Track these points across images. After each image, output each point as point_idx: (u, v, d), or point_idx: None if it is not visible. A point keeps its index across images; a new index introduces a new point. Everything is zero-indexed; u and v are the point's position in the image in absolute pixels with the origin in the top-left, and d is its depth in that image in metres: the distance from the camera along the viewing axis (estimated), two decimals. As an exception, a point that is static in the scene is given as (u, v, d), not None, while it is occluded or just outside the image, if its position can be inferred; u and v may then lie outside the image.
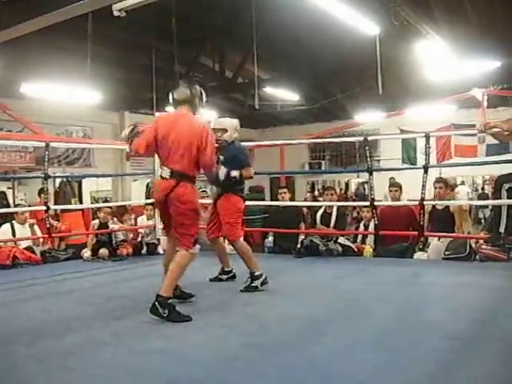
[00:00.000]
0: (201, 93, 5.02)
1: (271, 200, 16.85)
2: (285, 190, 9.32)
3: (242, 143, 6.44)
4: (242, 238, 6.18)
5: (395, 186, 8.70)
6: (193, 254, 4.69)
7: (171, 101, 4.98)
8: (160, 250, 8.85)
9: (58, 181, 13.27)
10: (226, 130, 6.03)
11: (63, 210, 10.52)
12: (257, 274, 5.70)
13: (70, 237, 9.59)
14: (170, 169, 4.68)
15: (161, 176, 4.78)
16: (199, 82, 15.88)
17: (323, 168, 21.09)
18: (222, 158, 5.85)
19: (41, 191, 9.94)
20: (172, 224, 4.82)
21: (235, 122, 6.24)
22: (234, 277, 6.31)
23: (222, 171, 5.80)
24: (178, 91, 4.95)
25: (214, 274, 6.28)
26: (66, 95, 11.41)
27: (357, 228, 9.19)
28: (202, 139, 4.71)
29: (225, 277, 6.28)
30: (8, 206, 13.05)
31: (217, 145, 5.77)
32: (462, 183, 18.92)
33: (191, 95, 4.91)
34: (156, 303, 4.38)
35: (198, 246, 4.75)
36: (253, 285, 5.66)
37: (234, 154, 5.94)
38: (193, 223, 4.74)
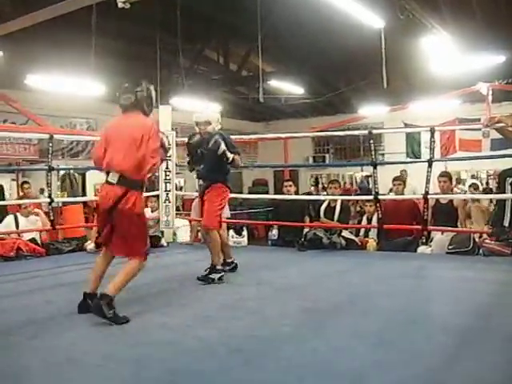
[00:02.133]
0: (149, 93, 4.62)
1: (275, 193, 16.86)
2: (290, 183, 9.33)
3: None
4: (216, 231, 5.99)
5: (399, 180, 8.69)
6: (144, 265, 4.51)
7: (120, 105, 4.62)
8: (164, 242, 8.87)
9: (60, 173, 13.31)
10: (209, 123, 6.03)
11: (64, 203, 10.55)
12: (218, 268, 5.85)
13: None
14: (118, 173, 4.38)
15: (107, 180, 4.45)
16: (204, 74, 15.91)
17: (327, 161, 21.05)
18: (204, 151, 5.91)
19: (23, 184, 9.96)
20: (117, 234, 4.50)
21: (217, 113, 6.29)
22: (235, 267, 6.35)
23: (222, 146, 5.78)
24: (125, 97, 4.55)
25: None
26: (71, 87, 11.40)
27: (360, 221, 9.19)
28: (146, 135, 4.40)
29: (227, 268, 6.27)
30: (3, 199, 13.13)
31: (200, 137, 5.97)
32: (473, 177, 18.76)
33: (136, 100, 4.53)
34: (101, 303, 4.16)
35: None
36: (210, 276, 5.77)
37: (220, 142, 5.86)
38: (145, 233, 4.64)
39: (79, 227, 9.69)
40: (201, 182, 6.38)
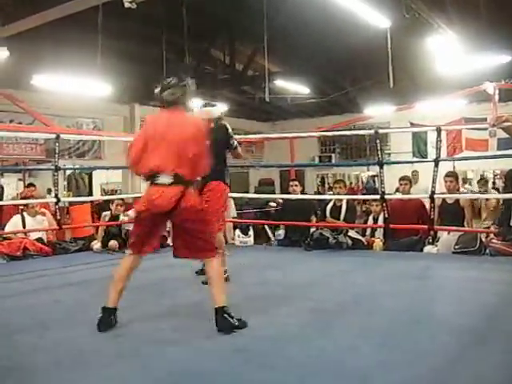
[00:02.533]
0: (191, 89, 4.48)
1: (281, 193, 16.85)
2: (296, 183, 9.33)
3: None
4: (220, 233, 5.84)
5: (405, 180, 8.68)
6: (219, 257, 4.38)
7: (159, 99, 4.40)
8: (169, 241, 8.86)
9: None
10: (221, 119, 6.02)
11: (71, 203, 10.57)
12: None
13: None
14: (172, 173, 4.15)
15: (157, 183, 4.18)
16: (210, 74, 15.91)
17: (333, 161, 21.02)
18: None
19: (30, 185, 9.96)
20: (180, 236, 4.33)
21: (221, 109, 6.19)
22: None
23: (230, 130, 5.83)
24: (169, 92, 4.31)
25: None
26: (77, 87, 11.42)
27: (366, 221, 9.18)
28: (197, 134, 4.30)
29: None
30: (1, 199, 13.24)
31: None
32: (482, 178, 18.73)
33: (183, 96, 4.37)
34: (225, 316, 4.00)
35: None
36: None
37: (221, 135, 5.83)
38: (210, 228, 4.46)
39: (85, 226, 9.69)
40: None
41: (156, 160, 4.17)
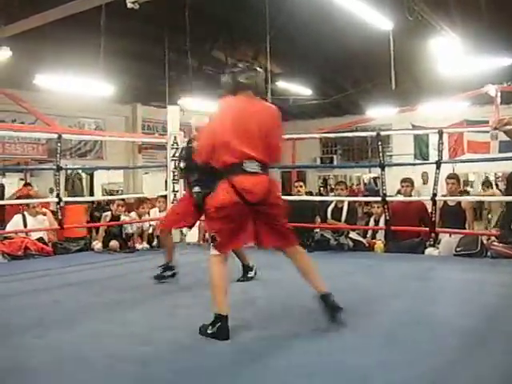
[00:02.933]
0: (261, 74, 4.29)
1: (283, 194, 16.85)
2: (301, 184, 9.32)
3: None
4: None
5: (407, 182, 8.66)
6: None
7: (232, 85, 4.16)
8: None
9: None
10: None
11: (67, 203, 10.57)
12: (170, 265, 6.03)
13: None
14: (259, 161, 3.97)
15: (246, 170, 3.93)
16: (212, 75, 15.92)
17: (335, 163, 21.03)
18: None
19: (26, 184, 9.94)
20: (266, 226, 4.09)
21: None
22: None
23: None
24: (247, 75, 4.13)
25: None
26: (79, 87, 11.44)
27: (367, 223, 9.17)
28: (276, 122, 4.18)
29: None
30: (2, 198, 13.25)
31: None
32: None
33: (259, 80, 4.22)
34: (334, 302, 4.02)
35: None
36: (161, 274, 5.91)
37: None
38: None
39: (85, 227, 9.68)
40: (196, 189, 5.72)
41: (243, 147, 3.94)
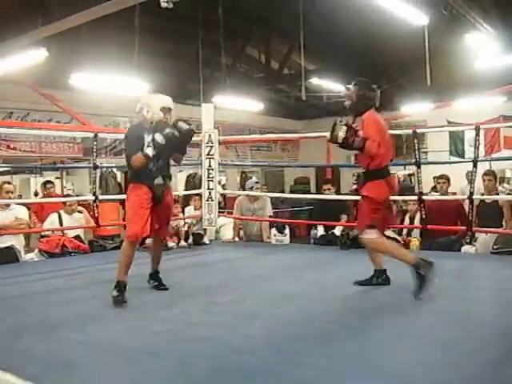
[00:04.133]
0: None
1: (317, 192, 16.83)
2: (329, 186, 9.21)
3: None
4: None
5: (443, 178, 8.57)
6: None
7: (373, 101, 5.26)
8: (206, 240, 8.90)
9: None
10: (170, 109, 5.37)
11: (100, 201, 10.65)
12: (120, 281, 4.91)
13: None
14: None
15: (389, 172, 5.18)
16: (245, 73, 15.95)
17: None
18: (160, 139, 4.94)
19: (46, 183, 9.99)
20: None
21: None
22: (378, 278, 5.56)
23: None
24: (378, 97, 5.34)
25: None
26: (114, 86, 11.53)
27: (402, 220, 9.10)
28: None
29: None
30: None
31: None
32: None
33: None
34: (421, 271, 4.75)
35: None
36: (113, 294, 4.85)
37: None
38: None
39: (121, 225, 9.74)
40: (158, 180, 5.21)
41: (390, 155, 5.26)
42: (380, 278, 5.37)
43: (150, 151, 4.94)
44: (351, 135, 4.94)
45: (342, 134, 4.99)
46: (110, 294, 4.82)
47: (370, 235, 4.97)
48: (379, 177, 5.05)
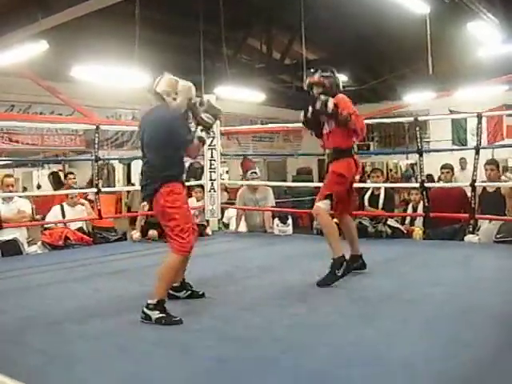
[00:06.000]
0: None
1: (319, 182, 16.79)
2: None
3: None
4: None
5: (446, 168, 8.55)
6: None
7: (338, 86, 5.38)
8: (209, 231, 8.90)
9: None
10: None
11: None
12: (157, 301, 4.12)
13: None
14: None
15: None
16: (247, 63, 15.91)
17: (371, 149, 20.85)
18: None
19: (69, 173, 9.98)
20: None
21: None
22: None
23: None
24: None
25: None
26: (115, 78, 11.50)
27: (405, 210, 9.09)
28: None
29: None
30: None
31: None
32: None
33: None
34: None
35: None
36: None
37: None
38: None
39: (125, 217, 9.75)
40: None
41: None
42: (356, 262, 5.46)
43: (204, 134, 4.47)
44: (337, 107, 5.03)
45: (330, 104, 5.02)
46: (113, 286, 4.82)
47: (323, 205, 5.05)
48: (350, 155, 5.28)
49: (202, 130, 4.45)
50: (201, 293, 4.70)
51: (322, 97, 5.10)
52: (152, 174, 4.32)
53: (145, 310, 3.97)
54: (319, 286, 4.87)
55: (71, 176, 9.82)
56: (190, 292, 4.68)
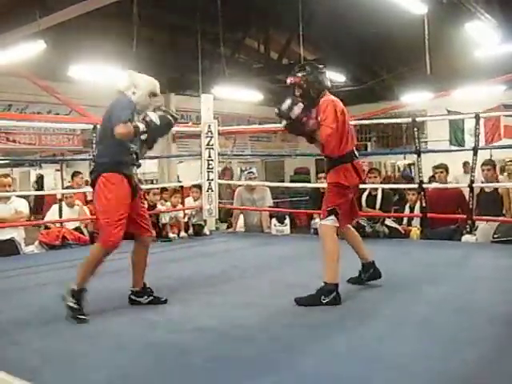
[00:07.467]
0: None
1: (316, 182, 16.80)
2: (324, 175, 9.18)
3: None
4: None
5: (441, 168, 8.55)
6: None
7: (324, 83, 4.73)
8: (206, 231, 8.89)
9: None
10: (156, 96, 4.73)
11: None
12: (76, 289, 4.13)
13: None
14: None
15: (357, 156, 4.70)
16: (245, 63, 15.91)
17: (369, 150, 20.85)
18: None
19: (74, 174, 9.95)
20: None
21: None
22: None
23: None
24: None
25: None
26: (113, 78, 11.50)
27: (402, 210, 9.10)
28: None
29: None
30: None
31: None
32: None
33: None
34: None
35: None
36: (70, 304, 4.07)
37: None
38: None
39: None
40: (134, 169, 4.47)
41: (353, 140, 4.71)
42: (368, 272, 5.00)
43: (142, 127, 4.20)
44: (305, 115, 4.49)
45: (297, 109, 4.48)
46: (110, 285, 4.82)
47: (328, 222, 4.52)
48: (346, 161, 4.59)
49: (144, 131, 4.22)
50: (163, 299, 4.51)
51: (289, 100, 4.55)
52: (95, 164, 4.41)
53: (65, 292, 4.04)
54: (296, 302, 4.31)
55: (79, 175, 9.75)
56: (151, 298, 4.51)
